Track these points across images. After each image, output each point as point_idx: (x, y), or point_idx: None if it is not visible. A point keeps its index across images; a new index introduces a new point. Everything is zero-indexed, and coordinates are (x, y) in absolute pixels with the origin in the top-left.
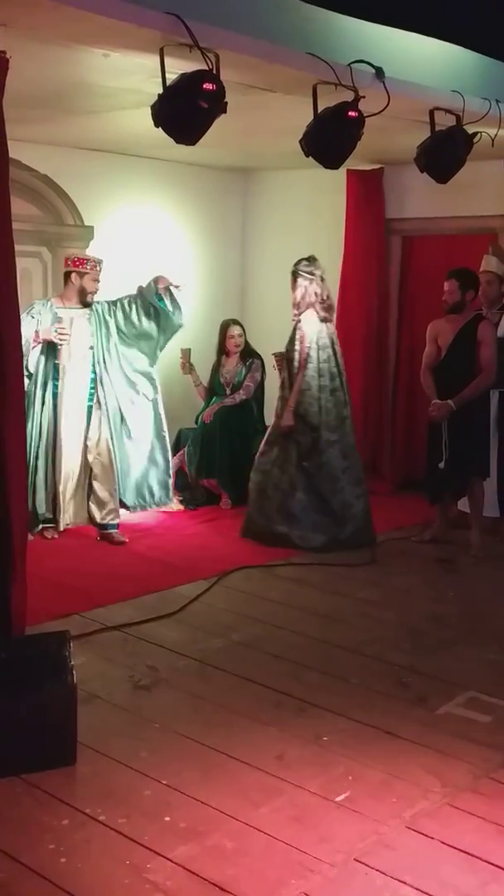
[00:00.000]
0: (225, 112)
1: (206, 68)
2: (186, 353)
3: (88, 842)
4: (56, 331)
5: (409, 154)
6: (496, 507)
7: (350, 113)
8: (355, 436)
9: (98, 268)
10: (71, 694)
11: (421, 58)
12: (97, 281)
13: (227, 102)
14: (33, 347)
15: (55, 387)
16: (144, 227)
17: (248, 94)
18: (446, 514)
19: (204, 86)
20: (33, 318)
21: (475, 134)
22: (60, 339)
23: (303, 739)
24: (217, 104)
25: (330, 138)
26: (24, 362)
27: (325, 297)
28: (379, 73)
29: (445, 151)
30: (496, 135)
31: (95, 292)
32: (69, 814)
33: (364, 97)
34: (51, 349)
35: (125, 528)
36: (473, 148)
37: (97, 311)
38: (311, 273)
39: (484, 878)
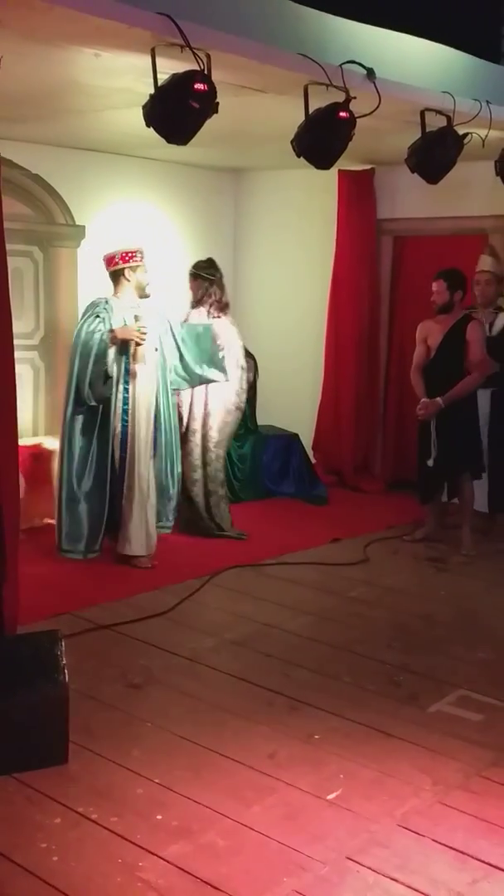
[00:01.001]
0: (216, 112)
1: (198, 69)
2: None
3: (81, 840)
4: (139, 329)
5: (400, 155)
6: (486, 504)
7: (341, 113)
8: (349, 434)
9: (145, 257)
10: (63, 693)
11: (412, 59)
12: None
13: (218, 103)
14: (110, 347)
15: (126, 391)
16: (136, 226)
17: (239, 95)
18: (437, 513)
19: (195, 86)
20: (99, 316)
21: (466, 135)
22: (142, 339)
23: (295, 738)
24: (208, 104)
25: (321, 139)
26: (105, 365)
27: (219, 298)
28: (370, 73)
29: (436, 152)
30: (486, 135)
31: (150, 283)
32: (61, 812)
33: (355, 98)
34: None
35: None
36: (464, 149)
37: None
38: (212, 274)
39: (475, 876)
